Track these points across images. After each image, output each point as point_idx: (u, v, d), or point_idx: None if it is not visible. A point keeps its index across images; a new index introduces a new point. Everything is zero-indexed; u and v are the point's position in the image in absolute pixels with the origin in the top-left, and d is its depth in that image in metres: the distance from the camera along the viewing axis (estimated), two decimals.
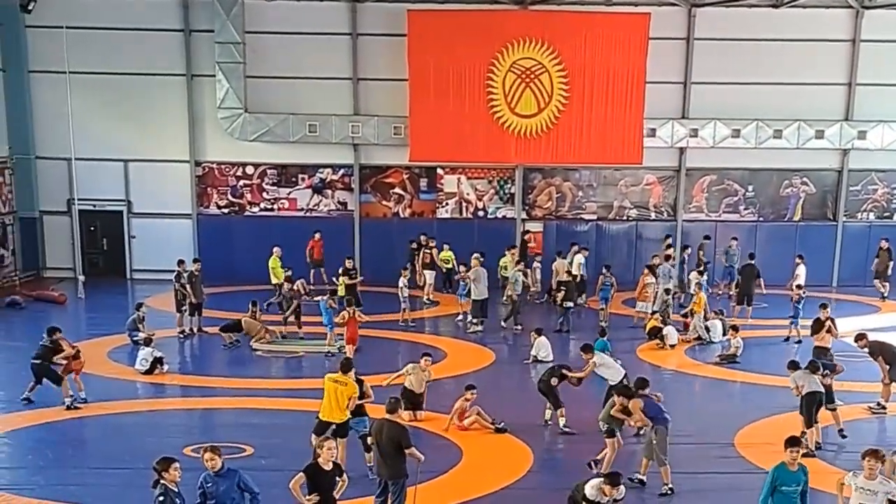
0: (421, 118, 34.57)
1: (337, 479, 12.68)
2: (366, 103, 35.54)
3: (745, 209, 37.08)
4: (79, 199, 33.87)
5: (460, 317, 30.01)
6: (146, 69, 34.89)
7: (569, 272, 30.32)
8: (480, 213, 36.78)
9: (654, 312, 28.45)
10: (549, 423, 19.92)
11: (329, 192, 36.45)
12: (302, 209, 36.44)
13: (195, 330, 27.86)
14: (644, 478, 16.46)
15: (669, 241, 34.33)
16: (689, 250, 34.06)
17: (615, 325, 28.27)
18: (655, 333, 27.33)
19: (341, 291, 29.05)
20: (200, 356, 26.56)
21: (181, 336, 27.47)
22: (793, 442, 12.98)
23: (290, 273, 29.15)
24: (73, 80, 32.34)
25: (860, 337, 20.92)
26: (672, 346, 26.92)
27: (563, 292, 29.12)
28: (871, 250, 35.10)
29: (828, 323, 22.91)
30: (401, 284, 29.19)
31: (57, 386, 20.41)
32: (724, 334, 27.38)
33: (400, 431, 14.00)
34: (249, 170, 36.19)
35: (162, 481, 11.69)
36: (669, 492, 16.04)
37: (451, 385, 21.74)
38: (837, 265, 37.01)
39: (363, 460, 16.39)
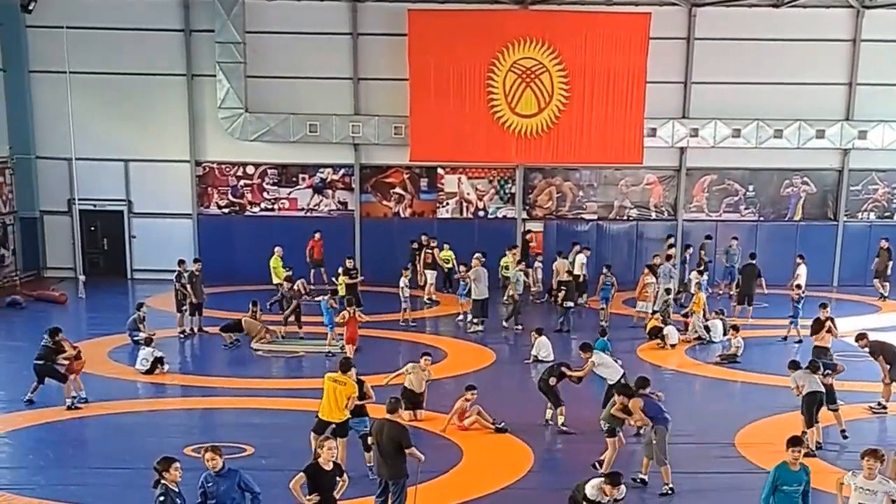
0: (421, 118, 34.57)
1: (337, 479, 12.67)
2: (366, 103, 35.54)
3: (745, 209, 37.08)
4: (79, 199, 33.90)
5: (461, 317, 30.02)
6: (147, 69, 34.90)
7: (569, 272, 30.32)
8: (481, 213, 36.78)
9: (654, 312, 28.45)
10: (550, 423, 19.93)
11: (329, 191, 36.46)
12: (302, 209, 36.44)
13: (196, 330, 27.86)
14: (646, 477, 16.47)
15: (672, 240, 34.35)
16: (690, 250, 34.10)
17: (615, 325, 28.28)
18: (656, 333, 27.33)
19: (342, 291, 29.06)
20: (201, 356, 26.55)
21: (182, 336, 27.47)
22: (794, 442, 12.97)
23: (290, 273, 29.16)
24: (74, 79, 32.34)
25: (861, 337, 20.93)
26: (672, 346, 26.92)
27: (563, 292, 29.13)
28: (871, 250, 35.09)
29: (828, 323, 22.92)
30: (402, 284, 29.20)
31: (62, 383, 20.40)
32: (725, 334, 27.37)
33: (400, 431, 14.00)
34: (250, 170, 36.20)
35: (163, 481, 11.69)
36: (670, 492, 16.03)
37: (452, 385, 21.74)
38: (838, 265, 37.01)
39: (363, 460, 16.39)
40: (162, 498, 11.61)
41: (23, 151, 35.43)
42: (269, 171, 36.27)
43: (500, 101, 34.80)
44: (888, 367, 20.58)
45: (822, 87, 35.76)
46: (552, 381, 19.73)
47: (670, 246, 33.49)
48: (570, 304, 28.99)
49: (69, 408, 20.19)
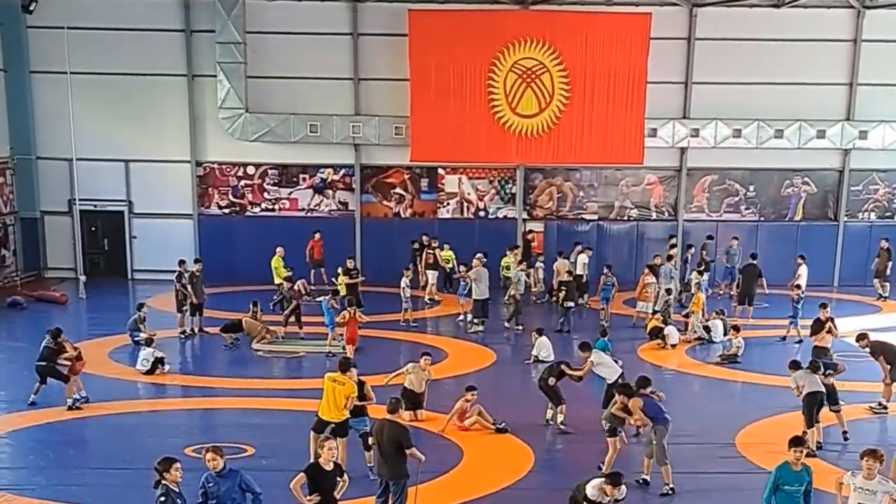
0: (422, 118, 34.57)
1: (338, 479, 12.68)
2: (367, 103, 35.54)
3: (746, 209, 37.06)
4: (80, 200, 33.91)
5: (461, 317, 30.02)
6: (147, 69, 34.90)
7: (570, 272, 30.31)
8: (481, 214, 36.77)
9: (655, 312, 28.44)
10: (550, 423, 19.94)
11: (330, 192, 36.45)
12: (303, 209, 36.44)
13: (196, 330, 27.86)
14: (648, 478, 16.46)
15: (674, 241, 34.34)
16: (692, 250, 34.09)
17: (616, 325, 28.29)
18: (657, 333, 27.33)
19: (342, 291, 29.04)
20: (201, 356, 26.55)
21: (182, 336, 27.46)
22: (797, 442, 12.99)
23: (290, 273, 29.17)
24: (75, 80, 32.34)
25: (861, 337, 20.94)
26: (673, 346, 26.92)
27: (563, 292, 29.12)
28: (872, 250, 35.09)
29: (828, 324, 22.90)
30: (403, 285, 29.22)
31: (65, 384, 20.40)
32: (726, 334, 27.37)
33: (401, 432, 14.01)
34: (250, 170, 36.20)
35: (163, 481, 11.70)
36: (671, 492, 16.04)
37: (452, 385, 21.75)
38: (838, 265, 36.99)
39: (363, 460, 16.40)
40: (163, 498, 11.61)
41: (23, 152, 35.43)
42: (269, 172, 36.27)
43: (500, 101, 34.79)
44: (889, 367, 20.59)
45: (823, 88, 35.74)
46: (551, 380, 19.76)
47: (672, 246, 33.50)
48: (571, 304, 28.98)
49: (70, 408, 20.20)
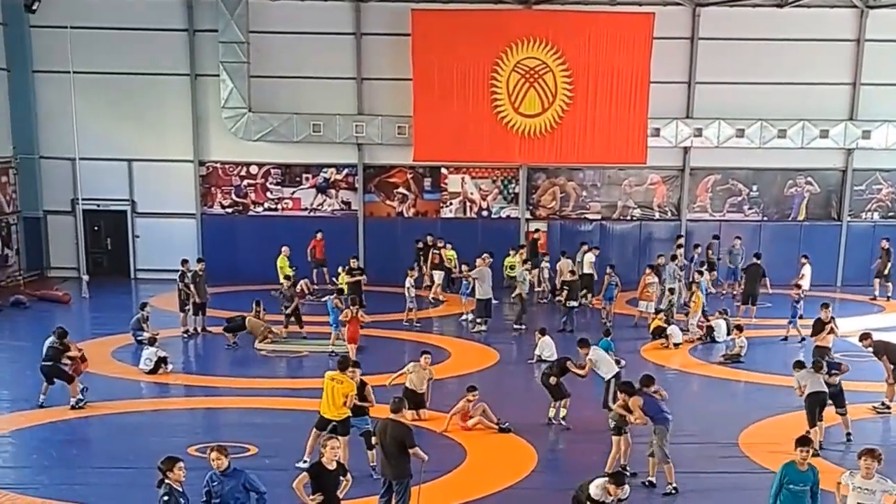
0: (425, 118, 34.57)
1: (341, 478, 12.67)
2: (370, 103, 35.55)
3: (749, 209, 37.06)
4: (83, 199, 33.91)
5: (464, 316, 30.01)
6: (150, 69, 34.92)
7: (573, 272, 30.32)
8: (484, 213, 36.77)
9: (658, 312, 28.42)
10: (553, 422, 19.94)
11: (333, 191, 36.47)
12: (306, 209, 36.46)
13: (199, 329, 27.86)
14: (654, 479, 16.42)
15: (681, 241, 34.33)
16: (699, 249, 34.05)
17: (619, 325, 28.29)
18: (660, 333, 27.31)
19: (345, 288, 28.89)
20: (204, 356, 26.53)
21: (185, 336, 27.47)
22: (803, 441, 12.97)
23: (294, 272, 29.15)
24: (77, 79, 32.39)
25: (865, 336, 20.90)
26: (676, 346, 26.90)
27: (566, 292, 29.11)
28: (875, 250, 35.01)
29: (829, 325, 22.82)
30: (407, 285, 29.23)
31: (69, 384, 20.41)
32: (729, 334, 27.35)
33: (404, 431, 14.00)
34: (253, 169, 36.22)
35: (167, 481, 11.70)
36: (674, 491, 16.01)
37: (455, 385, 21.74)
38: (841, 265, 36.98)
39: (366, 460, 16.41)
40: (166, 498, 11.61)
41: (26, 151, 35.46)
42: (272, 171, 36.28)
43: (503, 100, 34.79)
44: (892, 366, 20.56)
45: (826, 87, 35.74)
46: (552, 380, 19.77)
47: (679, 246, 33.49)
48: (574, 303, 28.97)
49: (73, 407, 20.19)
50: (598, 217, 37.00)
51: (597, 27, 34.53)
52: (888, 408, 20.88)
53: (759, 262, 30.72)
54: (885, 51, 35.13)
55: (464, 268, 29.59)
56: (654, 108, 34.72)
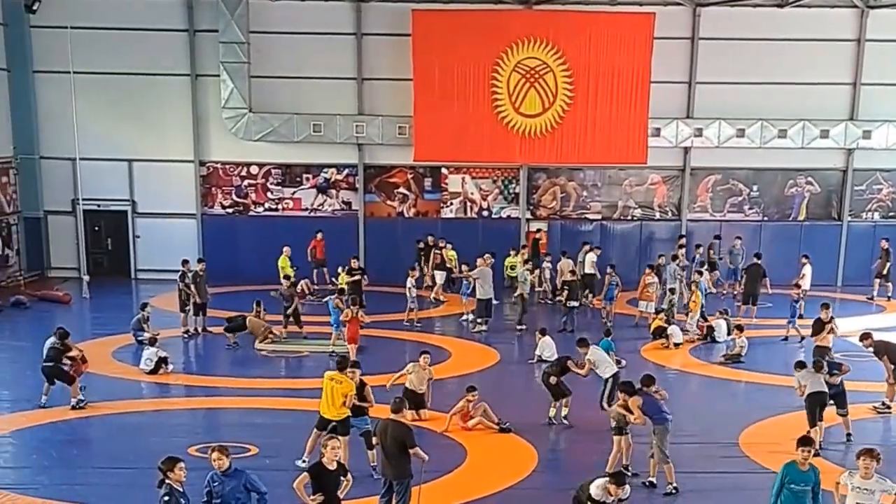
0: (425, 118, 34.58)
1: (341, 478, 12.66)
2: (370, 103, 35.55)
3: (749, 209, 37.06)
4: (83, 199, 33.88)
5: (465, 317, 30.01)
6: (150, 69, 34.93)
7: (573, 272, 30.35)
8: (485, 213, 36.77)
9: (658, 312, 28.42)
10: (553, 421, 19.95)
11: (333, 191, 36.47)
12: (306, 209, 36.46)
13: (199, 330, 27.86)
14: (654, 479, 16.41)
15: (683, 241, 34.32)
16: (700, 249, 34.04)
17: (619, 325, 28.28)
18: (660, 333, 27.31)
19: (345, 288, 28.84)
20: (205, 356, 26.53)
21: (185, 336, 27.47)
22: (805, 441, 12.98)
23: (295, 271, 29.14)
24: (78, 80, 32.39)
25: (865, 336, 20.89)
26: (677, 346, 26.90)
27: (566, 292, 29.10)
28: (875, 250, 34.97)
29: (829, 325, 22.78)
30: (409, 285, 29.22)
31: (69, 385, 20.41)
32: (729, 334, 27.34)
33: (404, 431, 14.01)
34: (254, 169, 36.22)
35: (167, 481, 11.69)
36: (674, 491, 16.00)
37: (455, 385, 21.73)
38: (842, 265, 36.97)
39: (366, 460, 16.41)
40: (166, 498, 11.60)
41: (27, 151, 35.46)
42: (272, 171, 36.29)
43: (504, 100, 34.79)
44: (893, 366, 20.56)
45: (827, 87, 35.73)
46: (553, 379, 19.79)
47: (681, 246, 33.50)
48: (574, 303, 28.96)
49: (73, 408, 20.19)
50: (599, 217, 37.00)
51: (597, 27, 34.52)
52: (888, 408, 20.88)
53: (759, 262, 30.71)
54: (886, 51, 35.13)
55: (464, 268, 29.57)
56: (655, 108, 34.71)
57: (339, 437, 14.03)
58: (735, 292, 32.96)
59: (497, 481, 16.57)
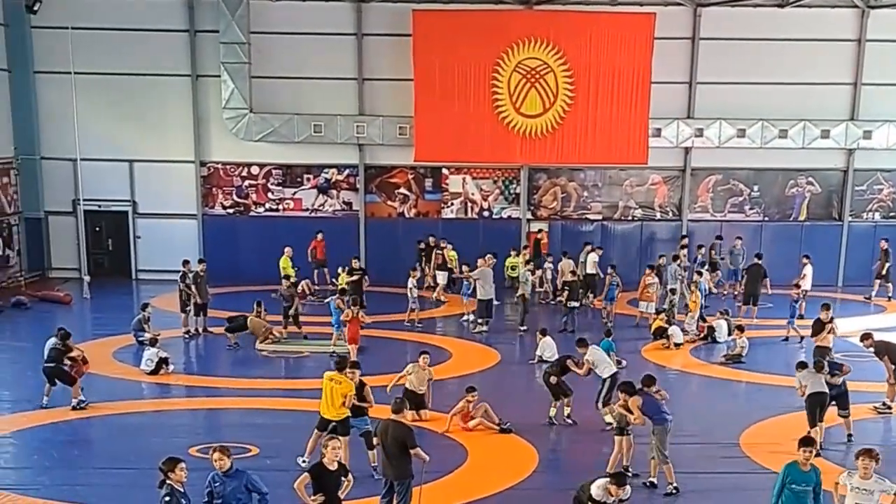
0: (426, 118, 34.58)
1: (342, 478, 12.66)
2: (371, 103, 35.56)
3: (750, 209, 37.05)
4: (84, 200, 33.88)
5: (465, 317, 30.01)
6: (151, 70, 34.94)
7: (573, 272, 30.36)
8: (485, 214, 36.77)
9: (658, 312, 28.42)
10: (555, 421, 19.95)
11: (334, 192, 36.48)
12: (307, 209, 36.46)
13: (200, 330, 27.87)
14: (655, 480, 16.41)
15: (685, 241, 34.32)
16: (702, 250, 34.02)
17: (620, 325, 28.27)
18: (661, 333, 27.31)
19: (346, 288, 28.81)
20: (205, 356, 26.54)
21: (186, 336, 27.48)
22: (807, 442, 12.98)
23: (296, 271, 29.13)
24: (79, 80, 32.40)
25: (866, 336, 20.87)
26: (677, 346, 26.90)
27: (567, 292, 29.10)
28: (876, 250, 34.91)
29: (829, 325, 22.75)
30: (410, 285, 29.20)
31: (70, 386, 20.41)
32: (730, 334, 27.33)
33: (405, 432, 14.01)
34: (254, 170, 36.23)
35: (168, 481, 11.69)
36: (675, 491, 16.00)
37: (456, 385, 21.71)
38: (843, 265, 36.96)
39: (367, 460, 16.41)
40: (167, 498, 11.60)
41: (27, 152, 35.48)
42: (273, 172, 36.29)
43: (504, 101, 34.79)
44: (893, 367, 20.55)
45: (827, 87, 35.73)
46: (553, 379, 19.81)
47: (683, 246, 33.50)
48: (575, 303, 28.96)
49: (74, 408, 20.19)
50: (600, 217, 37.00)
51: (598, 27, 34.52)
52: (889, 408, 20.88)
53: (760, 262, 30.70)
54: (886, 51, 35.12)
55: (464, 268, 29.57)
56: (656, 108, 34.71)
57: (340, 438, 14.04)
58: (736, 293, 32.94)
59: (498, 482, 16.57)
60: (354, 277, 29.52)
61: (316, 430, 16.30)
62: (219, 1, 33.87)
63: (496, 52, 34.53)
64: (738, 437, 19.10)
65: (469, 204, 36.69)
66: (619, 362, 22.44)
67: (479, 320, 28.65)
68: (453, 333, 28.84)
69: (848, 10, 35.22)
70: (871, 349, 20.79)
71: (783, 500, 12.73)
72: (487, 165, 36.39)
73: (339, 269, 30.28)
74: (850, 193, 36.81)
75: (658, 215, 37.11)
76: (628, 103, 34.61)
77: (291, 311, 27.47)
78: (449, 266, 32.99)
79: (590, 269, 31.79)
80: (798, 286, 29.42)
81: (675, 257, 31.45)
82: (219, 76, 34.55)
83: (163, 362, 23.45)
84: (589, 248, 32.75)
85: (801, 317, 27.91)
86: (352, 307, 24.61)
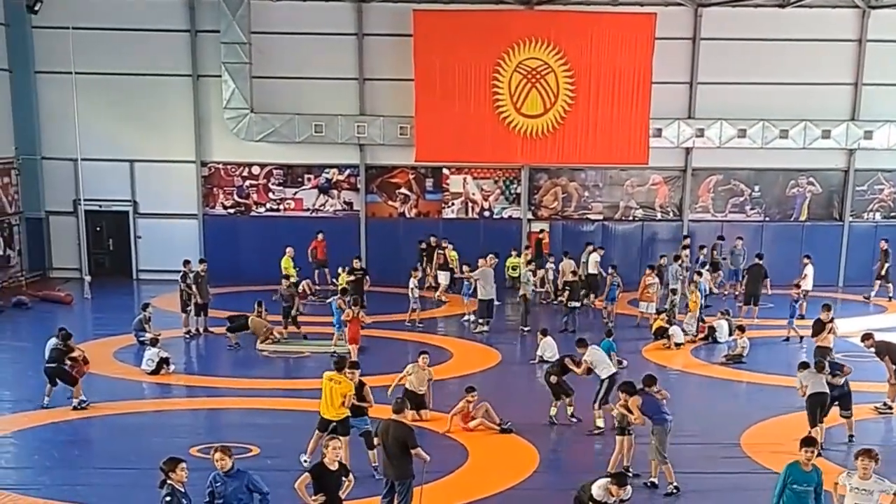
0: (427, 118, 34.57)
1: (343, 479, 12.66)
2: (372, 103, 35.55)
3: (751, 209, 37.03)
4: (85, 200, 33.87)
5: (466, 317, 30.00)
6: (152, 70, 34.94)
7: (574, 272, 30.36)
8: (486, 214, 36.76)
9: (659, 312, 28.41)
10: (555, 421, 19.94)
11: (335, 192, 36.47)
12: (308, 209, 36.45)
13: (201, 330, 27.88)
14: (655, 480, 16.40)
15: (687, 241, 34.33)
16: (704, 250, 33.99)
17: (621, 325, 28.27)
18: (662, 333, 27.31)
19: (347, 288, 28.78)
20: (206, 356, 26.55)
21: (187, 336, 27.49)
22: (808, 442, 12.98)
23: (297, 272, 29.12)
24: (80, 80, 32.41)
25: (867, 337, 20.85)
26: (678, 346, 26.89)
27: (568, 292, 29.10)
28: (877, 250, 34.87)
29: (829, 324, 22.71)
30: (411, 285, 29.18)
31: (72, 387, 20.41)
32: (731, 334, 27.32)
33: (406, 432, 14.01)
34: (255, 170, 36.22)
35: (169, 481, 11.69)
36: (675, 490, 16.00)
37: (457, 386, 21.69)
38: (843, 265, 36.94)
39: (367, 460, 16.41)
40: (168, 498, 11.60)
41: (28, 152, 35.48)
42: (274, 172, 36.29)
43: (505, 101, 34.78)
44: (894, 367, 20.54)
45: (828, 88, 35.71)
46: (553, 378, 19.82)
47: (685, 247, 33.50)
48: (575, 304, 28.96)
49: (75, 408, 20.20)
50: (600, 217, 36.99)
51: (599, 27, 34.50)
52: (890, 408, 20.88)
53: (761, 262, 30.69)
54: (887, 51, 35.09)
55: (465, 268, 29.56)
56: (656, 108, 34.70)
57: (340, 438, 14.04)
58: (736, 293, 32.92)
59: (498, 482, 16.58)
60: (353, 277, 29.47)
61: (317, 431, 16.29)
62: (220, 1, 33.86)
63: (497, 52, 34.52)
64: (738, 438, 19.10)
65: (470, 204, 36.68)
66: (619, 362, 22.45)
67: (480, 320, 28.65)
68: (454, 333, 28.83)
69: (849, 11, 35.21)
70: (872, 349, 20.78)
71: (784, 500, 12.73)
72: (488, 165, 36.38)
73: (339, 270, 30.27)
74: (850, 194, 36.79)
75: (659, 215, 37.10)
76: (629, 103, 34.60)
77: (293, 312, 27.46)
78: (450, 266, 32.97)
79: (592, 269, 31.79)
80: (798, 286, 29.42)
81: (677, 257, 31.44)
82: (220, 76, 34.55)
83: (163, 362, 23.46)
84: (591, 248, 32.73)
85: (801, 317, 27.90)
86: (352, 307, 24.60)
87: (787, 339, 27.78)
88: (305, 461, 16.21)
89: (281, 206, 36.47)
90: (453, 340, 27.71)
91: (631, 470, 16.43)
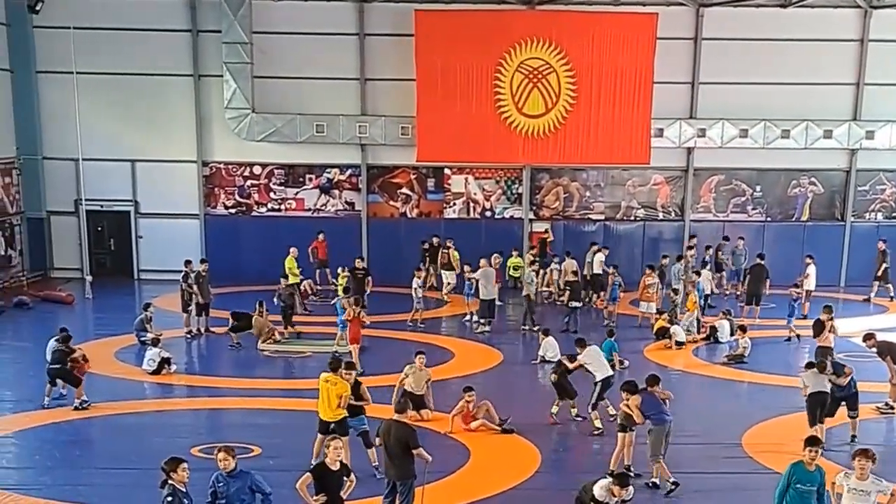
0: (428, 118, 34.55)
1: (344, 479, 12.66)
2: (373, 103, 35.54)
3: (752, 209, 37.00)
4: (86, 200, 33.83)
5: (468, 317, 29.99)
6: (153, 69, 34.94)
7: (575, 272, 30.36)
8: (488, 214, 36.75)
9: (661, 312, 28.40)
10: (557, 421, 19.94)
11: (336, 192, 36.46)
12: (309, 209, 36.45)
13: (202, 330, 27.88)
14: (657, 480, 16.40)
15: (694, 241, 34.32)
16: (710, 251, 33.94)
17: (623, 325, 28.27)
18: (663, 333, 27.30)
19: (348, 286, 28.74)
20: (208, 356, 26.55)
21: (188, 336, 27.48)
22: (812, 441, 12.98)
23: (299, 272, 29.12)
24: (81, 80, 32.41)
25: (868, 337, 20.86)
26: (679, 346, 26.87)
27: (569, 292, 29.09)
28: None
29: (829, 324, 22.68)
30: (415, 285, 29.17)
31: (75, 387, 20.41)
32: (732, 334, 27.30)
33: (408, 432, 13.98)
34: (257, 170, 36.22)
35: (170, 482, 11.68)
36: (674, 486, 15.98)
37: (458, 386, 21.63)
38: (845, 265, 36.91)
39: (368, 460, 16.40)
40: (170, 498, 11.59)
41: (30, 152, 35.48)
42: (275, 172, 36.29)
43: (507, 101, 34.76)
44: None
45: (830, 88, 35.68)
46: (553, 377, 19.86)
47: (690, 247, 33.48)
48: (577, 303, 28.95)
49: (76, 408, 20.20)
50: (602, 217, 36.97)
51: (600, 27, 34.48)
52: (892, 408, 20.86)
53: (762, 262, 30.68)
54: (889, 51, 35.06)
55: (466, 268, 29.55)
56: (658, 108, 34.67)
57: (340, 438, 14.03)
58: (738, 293, 32.90)
59: (500, 482, 16.57)
60: (357, 276, 29.41)
61: (319, 434, 16.25)
62: (221, 1, 33.86)
63: (498, 52, 34.50)
64: (740, 438, 19.09)
65: (471, 204, 36.67)
66: (621, 362, 22.48)
67: (482, 320, 28.64)
68: (456, 333, 28.82)
69: (851, 11, 35.18)
70: (874, 349, 20.78)
71: (788, 500, 12.72)
72: (490, 165, 36.37)
73: (340, 270, 30.23)
74: (852, 194, 36.77)
75: (660, 215, 37.08)
76: (631, 103, 34.58)
77: (298, 311, 27.45)
78: (454, 266, 32.95)
79: (596, 269, 31.77)
80: (798, 286, 29.38)
81: (680, 257, 31.42)
82: (221, 76, 34.54)
83: (165, 362, 23.46)
84: (595, 247, 32.70)
85: (804, 317, 27.88)
86: (354, 305, 24.57)
87: (789, 339, 27.74)
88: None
89: (282, 206, 36.46)
90: (455, 340, 27.70)
91: (632, 470, 16.42)
